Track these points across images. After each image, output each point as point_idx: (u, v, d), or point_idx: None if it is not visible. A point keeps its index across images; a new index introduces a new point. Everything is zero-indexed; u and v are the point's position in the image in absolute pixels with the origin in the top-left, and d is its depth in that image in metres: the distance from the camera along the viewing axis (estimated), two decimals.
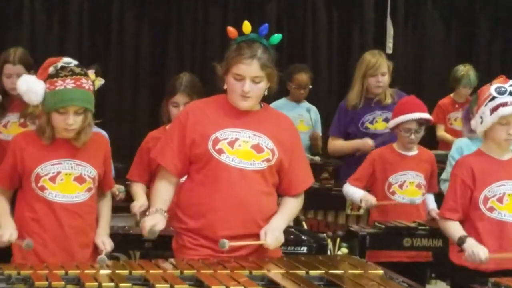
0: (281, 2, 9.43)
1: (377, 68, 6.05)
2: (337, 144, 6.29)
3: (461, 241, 4.04)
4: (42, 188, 3.82)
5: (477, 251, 3.97)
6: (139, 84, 9.12)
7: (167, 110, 4.82)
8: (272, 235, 3.72)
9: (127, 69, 9.12)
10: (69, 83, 3.75)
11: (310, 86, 7.64)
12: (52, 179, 3.82)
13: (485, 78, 7.20)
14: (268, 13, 9.26)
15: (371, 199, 5.11)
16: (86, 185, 3.87)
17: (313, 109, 7.65)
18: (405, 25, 9.69)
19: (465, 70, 7.62)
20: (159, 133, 4.74)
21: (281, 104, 7.49)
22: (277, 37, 3.81)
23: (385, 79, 6.08)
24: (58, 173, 3.83)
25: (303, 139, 7.17)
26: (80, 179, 3.85)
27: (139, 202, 4.53)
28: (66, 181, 3.83)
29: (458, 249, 4.07)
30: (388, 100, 6.05)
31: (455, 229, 4.13)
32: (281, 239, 3.79)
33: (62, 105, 3.74)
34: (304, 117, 7.54)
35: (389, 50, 9.01)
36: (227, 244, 3.60)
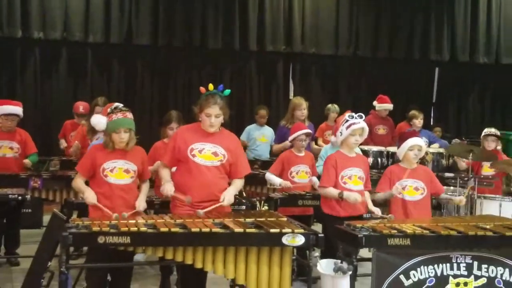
0: (232, 73, 9.39)
1: (301, 105, 6.13)
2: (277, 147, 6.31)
3: (341, 195, 4.15)
4: (106, 176, 3.77)
5: (353, 196, 4.12)
6: (152, 115, 9.02)
7: (165, 132, 4.88)
8: (227, 198, 3.73)
9: (146, 107, 9.03)
10: (119, 115, 3.80)
11: (267, 117, 7.31)
12: (111, 171, 3.78)
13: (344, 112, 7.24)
14: (225, 77, 9.26)
15: (289, 184, 4.94)
16: (130, 175, 3.83)
17: (271, 130, 7.24)
18: (300, 86, 9.72)
19: (332, 106, 7.71)
20: (160, 143, 4.85)
21: (252, 127, 7.32)
22: (227, 91, 3.79)
23: (306, 112, 6.16)
24: (115, 167, 3.80)
25: (265, 147, 7.13)
26: (127, 171, 3.82)
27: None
28: (119, 172, 3.79)
29: (339, 199, 4.15)
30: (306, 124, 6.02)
31: (333, 191, 4.21)
32: (232, 200, 3.79)
33: (117, 127, 3.77)
34: (264, 134, 7.22)
35: (291, 97, 9.06)
36: (202, 212, 3.62)
